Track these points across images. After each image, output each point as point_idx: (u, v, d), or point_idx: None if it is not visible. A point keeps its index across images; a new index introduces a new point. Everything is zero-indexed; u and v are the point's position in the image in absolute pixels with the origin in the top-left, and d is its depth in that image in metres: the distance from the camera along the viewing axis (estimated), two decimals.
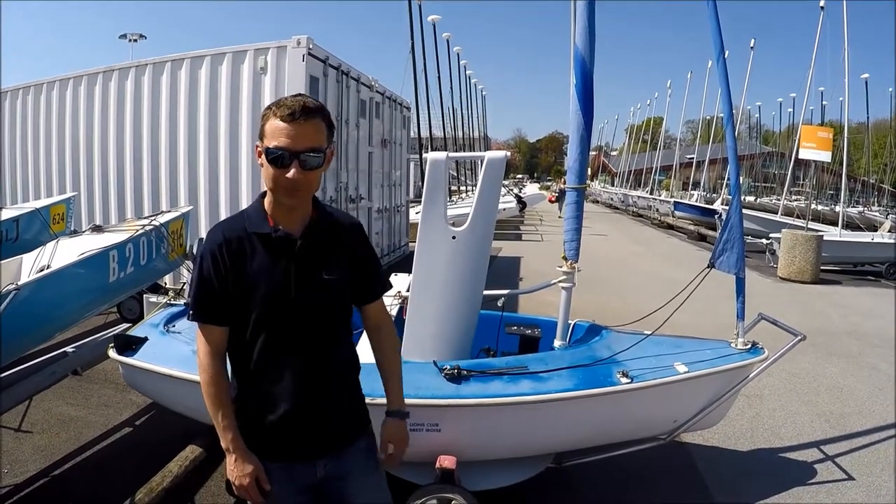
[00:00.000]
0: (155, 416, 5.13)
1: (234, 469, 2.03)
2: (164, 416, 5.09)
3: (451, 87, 29.42)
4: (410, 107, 15.13)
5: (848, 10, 18.64)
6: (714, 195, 32.22)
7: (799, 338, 3.75)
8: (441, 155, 3.64)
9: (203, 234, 7.09)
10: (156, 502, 3.18)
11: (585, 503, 4.04)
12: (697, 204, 27.86)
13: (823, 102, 32.04)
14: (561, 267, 3.86)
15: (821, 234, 14.13)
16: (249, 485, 2.01)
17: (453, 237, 3.52)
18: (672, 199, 30.70)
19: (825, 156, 14.50)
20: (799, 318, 8.55)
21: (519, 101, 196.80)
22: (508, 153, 3.65)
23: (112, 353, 3.72)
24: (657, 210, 31.65)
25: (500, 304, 4.05)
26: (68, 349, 4.77)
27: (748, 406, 5.59)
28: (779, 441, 4.96)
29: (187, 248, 6.18)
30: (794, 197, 30.13)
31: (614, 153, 69.84)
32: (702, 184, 34.37)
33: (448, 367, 3.27)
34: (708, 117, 37.48)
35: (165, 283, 7.63)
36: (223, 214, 8.47)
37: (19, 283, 4.02)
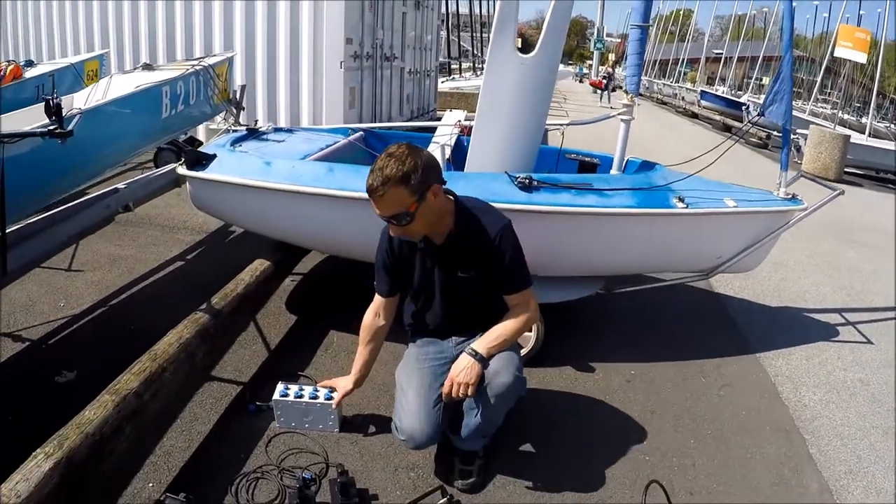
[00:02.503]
0: (205, 251, 5.32)
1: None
2: (214, 250, 5.36)
3: None
4: None
5: None
6: (739, 92, 31.37)
7: (837, 192, 4.02)
8: None
9: (241, 83, 7.10)
10: (230, 307, 3.33)
11: (626, 331, 4.32)
12: (724, 95, 27.21)
13: (861, 12, 30.76)
14: (622, 100, 3.98)
15: (848, 135, 13.97)
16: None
17: (522, 64, 3.59)
18: (699, 89, 29.91)
19: (860, 56, 14.21)
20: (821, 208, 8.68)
21: None
22: None
23: (181, 170, 3.69)
24: (683, 98, 30.93)
25: (561, 132, 4.23)
26: (119, 185, 4.88)
27: (774, 271, 5.84)
28: (803, 303, 5.22)
29: (230, 93, 6.18)
30: (820, 105, 29.46)
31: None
32: (728, 80, 33.47)
33: (521, 176, 3.41)
34: (739, 13, 36.13)
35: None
36: (260, 61, 8.59)
37: (82, 108, 3.92)
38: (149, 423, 2.58)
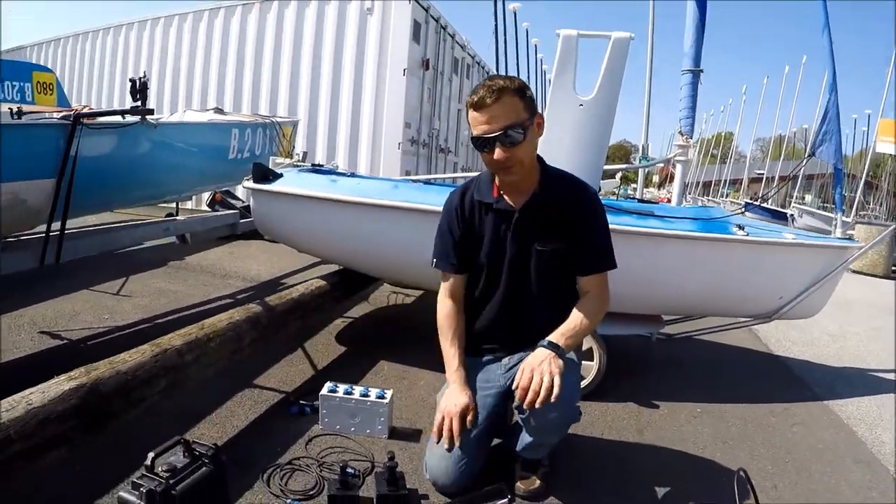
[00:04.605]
0: (255, 294, 5.28)
1: (448, 397, 2.27)
2: (264, 294, 5.33)
3: (528, 77, 29.56)
4: None
5: None
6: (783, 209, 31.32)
7: (893, 227, 3.91)
8: (573, 32, 3.81)
9: (302, 149, 7.38)
10: (284, 307, 3.34)
11: (688, 377, 4.19)
12: (770, 207, 27.11)
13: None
14: (677, 142, 4.02)
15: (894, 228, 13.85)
16: (454, 413, 2.20)
17: (581, 105, 3.67)
18: (743, 201, 29.83)
19: None
20: (873, 299, 8.53)
21: None
22: (633, 35, 3.79)
23: (247, 184, 3.71)
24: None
25: (617, 177, 4.26)
26: (179, 217, 4.99)
27: (832, 341, 5.71)
28: (865, 364, 5.02)
29: (293, 156, 6.38)
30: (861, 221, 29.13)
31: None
32: (770, 199, 33.40)
33: None
34: (780, 133, 36.58)
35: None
36: (321, 130, 8.99)
37: (156, 122, 4.04)
38: (186, 384, 2.51)
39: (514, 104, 2.12)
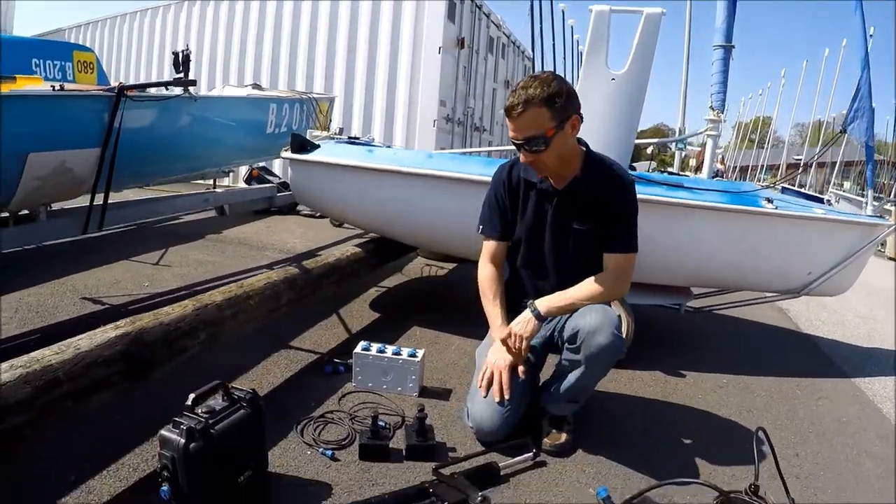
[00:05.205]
0: (293, 261, 5.34)
1: (495, 351, 2.45)
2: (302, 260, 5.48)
3: (564, 59, 29.33)
4: (531, 57, 15.39)
5: None
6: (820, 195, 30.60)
7: None
8: (605, 7, 3.83)
9: (338, 125, 7.48)
10: (321, 270, 3.45)
11: (716, 350, 4.21)
12: (806, 192, 26.57)
13: None
14: (708, 116, 4.04)
15: None
16: (503, 367, 2.39)
17: (612, 79, 3.70)
18: (780, 186, 29.25)
19: None
20: None
21: None
22: (665, 11, 3.79)
23: (285, 154, 3.81)
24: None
25: (649, 151, 4.28)
26: (218, 190, 5.09)
27: (863, 322, 5.68)
28: None
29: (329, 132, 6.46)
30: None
31: (719, 150, 67.68)
32: (807, 185, 32.70)
33: None
34: (819, 118, 35.66)
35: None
36: (357, 108, 9.09)
37: (196, 95, 4.11)
38: (225, 338, 2.61)
39: (539, 115, 2.23)
